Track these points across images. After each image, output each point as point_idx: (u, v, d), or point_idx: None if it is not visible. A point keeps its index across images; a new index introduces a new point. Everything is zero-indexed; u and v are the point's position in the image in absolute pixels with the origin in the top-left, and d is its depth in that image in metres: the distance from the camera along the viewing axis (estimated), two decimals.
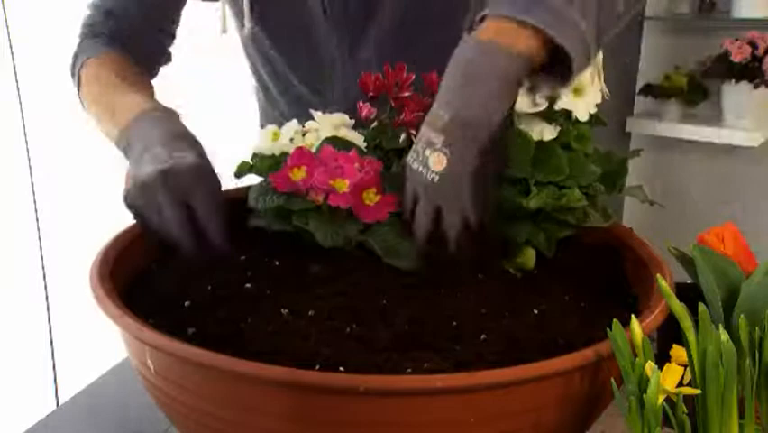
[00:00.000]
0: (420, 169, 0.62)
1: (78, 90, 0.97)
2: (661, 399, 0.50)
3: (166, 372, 0.55)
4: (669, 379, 0.51)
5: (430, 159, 0.61)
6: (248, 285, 0.65)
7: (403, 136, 0.78)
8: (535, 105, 0.69)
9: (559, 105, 0.69)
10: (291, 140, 0.79)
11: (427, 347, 0.56)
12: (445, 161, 0.61)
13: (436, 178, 0.61)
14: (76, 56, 0.98)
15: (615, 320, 0.53)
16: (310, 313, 0.61)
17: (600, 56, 0.71)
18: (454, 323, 0.60)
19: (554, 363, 0.51)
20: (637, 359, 0.52)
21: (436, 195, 0.62)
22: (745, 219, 2.49)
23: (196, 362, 0.51)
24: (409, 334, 0.58)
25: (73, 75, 0.98)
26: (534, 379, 0.51)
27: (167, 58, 1.05)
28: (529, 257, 0.71)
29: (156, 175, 0.69)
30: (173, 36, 1.06)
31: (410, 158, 0.64)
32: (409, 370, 0.54)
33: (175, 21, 1.05)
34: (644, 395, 0.50)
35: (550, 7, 0.62)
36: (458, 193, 0.62)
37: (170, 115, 0.80)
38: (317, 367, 0.54)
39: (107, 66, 0.94)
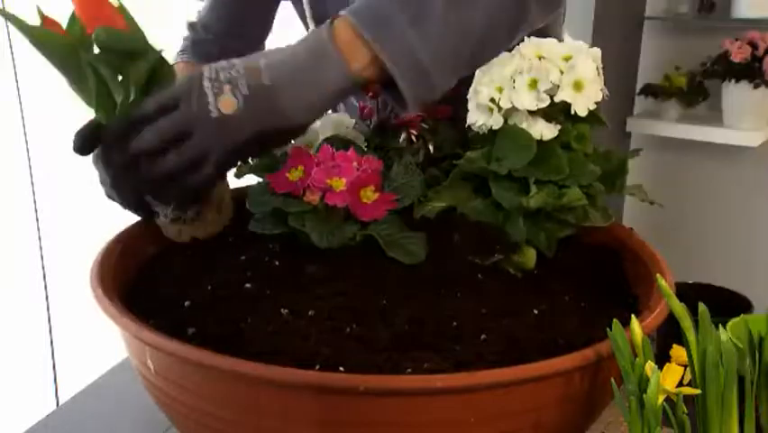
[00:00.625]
0: (207, 92, 0.59)
1: None
2: (661, 399, 0.50)
3: (166, 372, 0.55)
4: (669, 379, 0.51)
5: (222, 96, 0.58)
6: (248, 285, 0.65)
7: (403, 136, 0.78)
8: (539, 100, 0.68)
9: (559, 98, 0.69)
10: None
11: (427, 347, 0.56)
12: (232, 111, 0.58)
13: (214, 113, 0.58)
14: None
15: (615, 320, 0.53)
16: (310, 313, 0.60)
17: (599, 53, 0.71)
18: (454, 323, 0.60)
19: (554, 363, 0.51)
20: (637, 359, 0.52)
21: (196, 121, 0.59)
22: (744, 219, 2.49)
23: (195, 362, 0.51)
24: (409, 334, 0.58)
25: None
26: (534, 379, 0.51)
27: None
28: (529, 257, 0.71)
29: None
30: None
31: (209, 72, 0.60)
32: (409, 370, 0.54)
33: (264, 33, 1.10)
34: (644, 395, 0.50)
35: (393, 30, 0.59)
36: (217, 145, 0.59)
37: None
38: (317, 367, 0.54)
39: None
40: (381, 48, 0.59)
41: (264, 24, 1.10)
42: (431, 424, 0.50)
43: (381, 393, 0.48)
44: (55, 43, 0.62)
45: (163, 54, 0.66)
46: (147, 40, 0.65)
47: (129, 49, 0.63)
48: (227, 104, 0.58)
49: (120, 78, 0.64)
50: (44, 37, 0.62)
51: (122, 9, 0.64)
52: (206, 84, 0.59)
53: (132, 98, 0.63)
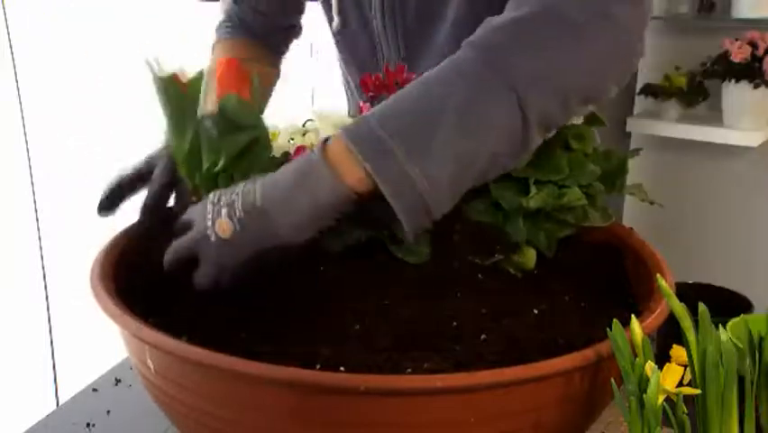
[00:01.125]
0: (208, 215, 0.61)
1: None
2: (661, 399, 0.50)
3: (166, 371, 0.55)
4: (669, 379, 0.51)
5: (219, 221, 0.61)
6: (248, 285, 0.65)
7: None
8: None
9: None
10: (291, 140, 0.79)
11: (427, 347, 0.56)
12: (228, 235, 0.60)
13: (212, 237, 0.61)
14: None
15: (615, 320, 0.53)
16: (310, 313, 0.61)
17: None
18: (454, 323, 0.60)
19: (555, 364, 0.51)
20: (637, 359, 0.52)
21: (199, 245, 0.62)
22: (744, 219, 2.49)
23: (194, 361, 0.51)
24: (409, 334, 0.58)
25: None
26: (534, 379, 0.51)
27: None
28: (529, 257, 0.71)
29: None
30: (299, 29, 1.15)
31: (213, 196, 0.62)
32: (409, 370, 0.54)
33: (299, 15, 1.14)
34: (644, 395, 0.50)
35: (393, 163, 0.58)
36: (218, 264, 0.61)
37: None
38: (317, 367, 0.54)
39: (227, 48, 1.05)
40: (381, 180, 0.58)
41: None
42: (431, 424, 0.50)
43: (382, 393, 0.48)
44: (173, 95, 0.67)
45: (267, 131, 0.69)
46: (260, 115, 0.68)
47: (243, 122, 0.66)
48: (223, 228, 0.60)
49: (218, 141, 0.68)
50: (167, 86, 0.68)
51: (253, 84, 0.68)
52: (209, 208, 0.62)
53: (220, 165, 0.66)
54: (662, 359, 0.53)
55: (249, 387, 0.51)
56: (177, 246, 0.64)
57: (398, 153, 0.58)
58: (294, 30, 1.15)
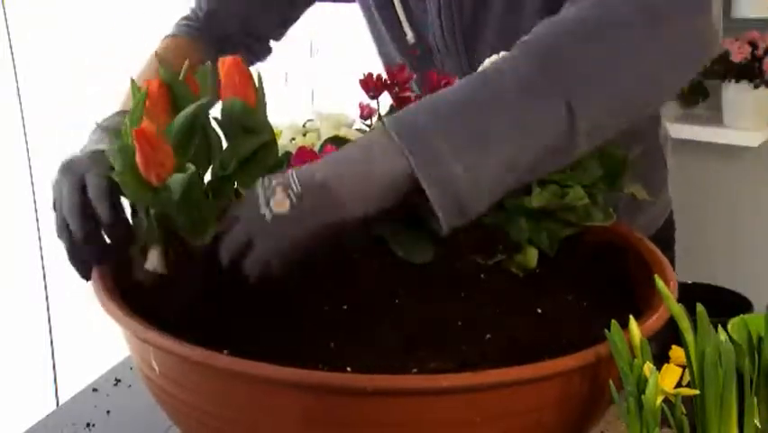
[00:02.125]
0: (260, 194, 0.60)
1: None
2: (659, 399, 0.50)
3: (169, 371, 0.55)
4: (667, 380, 0.51)
5: (275, 197, 0.59)
6: (251, 285, 0.65)
7: None
8: None
9: None
10: (292, 140, 0.79)
11: (432, 347, 0.56)
12: (286, 209, 0.59)
13: (267, 216, 0.59)
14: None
15: (613, 321, 0.53)
16: (315, 313, 0.61)
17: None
18: (459, 322, 0.60)
19: (558, 364, 0.51)
20: (635, 360, 0.52)
21: (254, 227, 0.60)
22: (744, 219, 2.49)
23: (197, 361, 0.51)
24: (414, 333, 0.58)
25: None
26: (538, 379, 0.51)
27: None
28: (531, 256, 0.71)
29: (59, 167, 0.69)
30: (268, 49, 1.07)
31: (261, 181, 0.61)
32: (415, 370, 0.54)
33: (273, 33, 1.06)
34: (643, 396, 0.49)
35: (439, 161, 0.57)
36: (279, 244, 0.59)
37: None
38: (323, 367, 0.54)
39: (171, 48, 0.96)
40: (422, 175, 0.58)
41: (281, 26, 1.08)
42: (437, 424, 0.50)
43: (388, 393, 0.48)
44: (184, 97, 0.66)
45: (275, 136, 0.68)
46: (268, 120, 0.68)
47: (250, 125, 0.66)
48: (280, 203, 0.58)
49: (226, 145, 0.67)
50: (178, 87, 0.66)
51: (258, 87, 0.66)
52: (259, 192, 0.60)
53: (230, 169, 0.65)
54: (660, 360, 0.53)
55: (256, 388, 0.50)
56: (229, 241, 0.61)
57: (443, 150, 0.57)
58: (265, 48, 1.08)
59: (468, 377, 0.50)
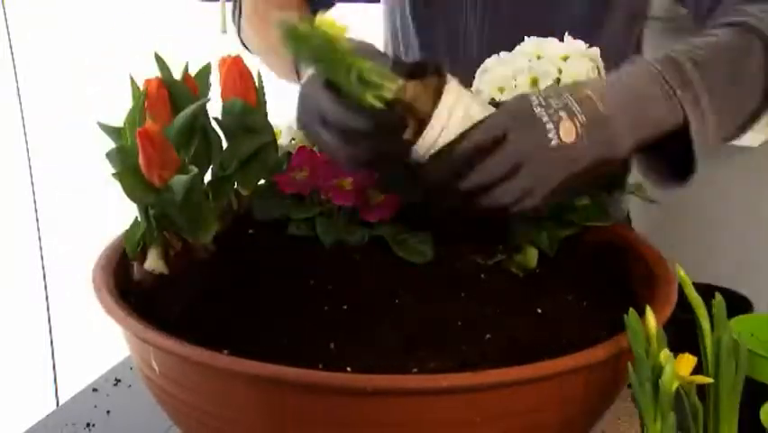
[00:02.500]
0: (544, 120, 0.55)
1: (240, 33, 0.96)
2: (675, 385, 0.50)
3: (169, 371, 0.55)
4: (683, 367, 0.51)
5: (563, 123, 0.55)
6: (251, 286, 0.65)
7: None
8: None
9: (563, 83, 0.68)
10: (292, 140, 0.79)
11: (432, 347, 0.56)
12: (573, 140, 0.55)
13: (553, 143, 0.55)
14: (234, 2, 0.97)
15: (631, 309, 0.53)
16: (315, 314, 0.61)
17: (598, 52, 0.70)
18: (459, 322, 0.60)
19: (558, 364, 0.51)
20: (651, 347, 0.52)
21: (531, 157, 0.55)
22: (744, 219, 2.49)
23: (197, 361, 0.51)
24: (414, 333, 0.58)
25: (234, 21, 0.96)
26: (538, 379, 0.51)
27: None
28: (531, 256, 0.71)
29: (306, 82, 0.63)
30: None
31: (537, 99, 0.56)
32: (415, 370, 0.54)
33: None
34: (660, 380, 0.49)
35: (697, 97, 0.63)
36: (553, 175, 0.56)
37: None
38: (322, 367, 0.54)
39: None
40: (695, 119, 0.63)
41: None
42: (437, 424, 0.50)
43: (388, 393, 0.48)
44: (183, 97, 0.66)
45: (275, 135, 0.69)
46: (268, 120, 0.68)
47: (249, 125, 0.66)
48: (568, 132, 0.55)
49: (226, 145, 0.67)
50: (178, 89, 0.66)
51: (258, 87, 0.67)
52: (539, 111, 0.56)
53: (230, 169, 0.66)
54: None
55: (250, 387, 0.51)
56: (494, 161, 0.55)
57: (703, 100, 0.62)
58: None
59: (468, 377, 0.50)
